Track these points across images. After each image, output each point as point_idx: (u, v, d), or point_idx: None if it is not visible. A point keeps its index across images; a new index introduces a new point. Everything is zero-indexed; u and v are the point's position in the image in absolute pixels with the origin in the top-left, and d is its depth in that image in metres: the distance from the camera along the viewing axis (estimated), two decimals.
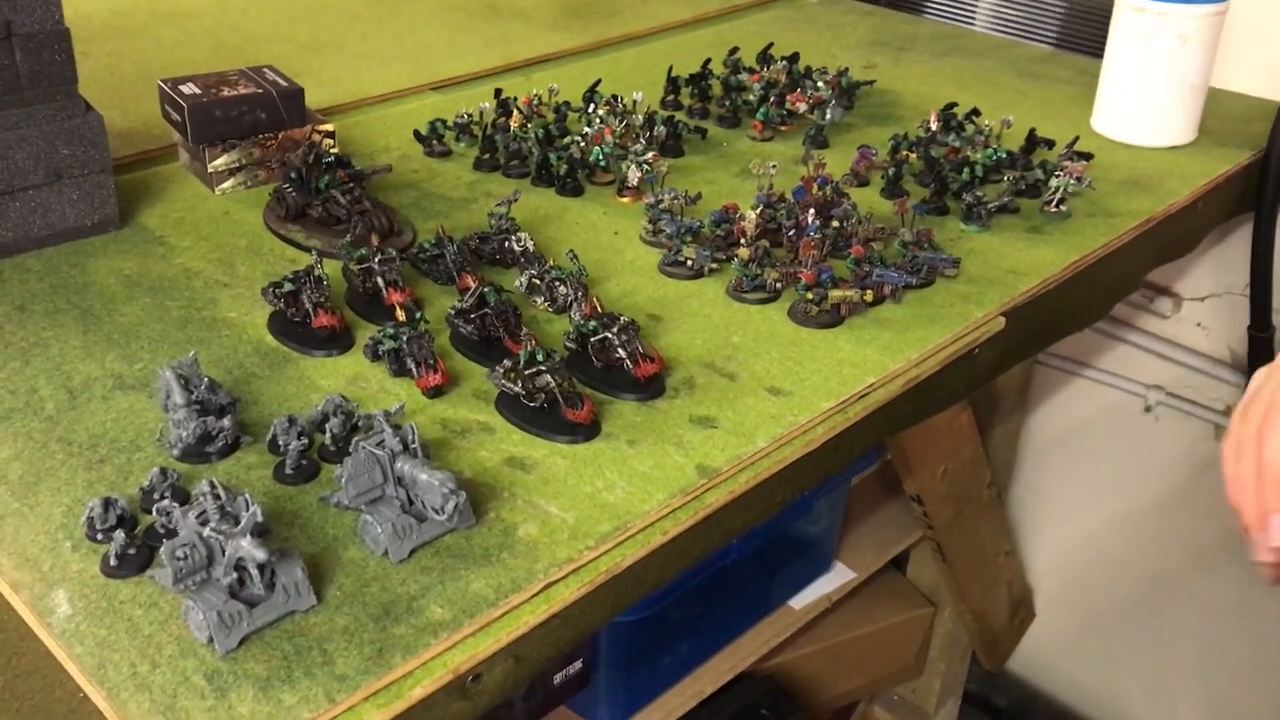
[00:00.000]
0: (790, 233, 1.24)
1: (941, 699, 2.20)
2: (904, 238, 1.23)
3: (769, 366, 1.09)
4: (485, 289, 1.08)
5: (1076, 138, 1.48)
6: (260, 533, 0.79)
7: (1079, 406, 2.13)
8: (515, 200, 1.25)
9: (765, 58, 1.75)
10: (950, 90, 1.74)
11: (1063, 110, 1.69)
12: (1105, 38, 1.58)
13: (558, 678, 1.39)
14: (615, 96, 1.57)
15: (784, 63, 1.71)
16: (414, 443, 0.85)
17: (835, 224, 1.25)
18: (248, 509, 0.77)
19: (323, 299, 1.08)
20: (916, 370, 1.10)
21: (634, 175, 1.36)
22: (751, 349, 1.11)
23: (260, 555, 0.74)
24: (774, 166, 1.33)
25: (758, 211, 1.24)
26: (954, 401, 1.20)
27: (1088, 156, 1.45)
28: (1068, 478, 2.21)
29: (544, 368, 0.98)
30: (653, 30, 2.01)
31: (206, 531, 0.75)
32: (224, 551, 0.76)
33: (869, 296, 1.15)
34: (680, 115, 1.63)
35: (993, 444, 2.02)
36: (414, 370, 1.02)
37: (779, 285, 1.18)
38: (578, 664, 1.41)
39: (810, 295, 1.14)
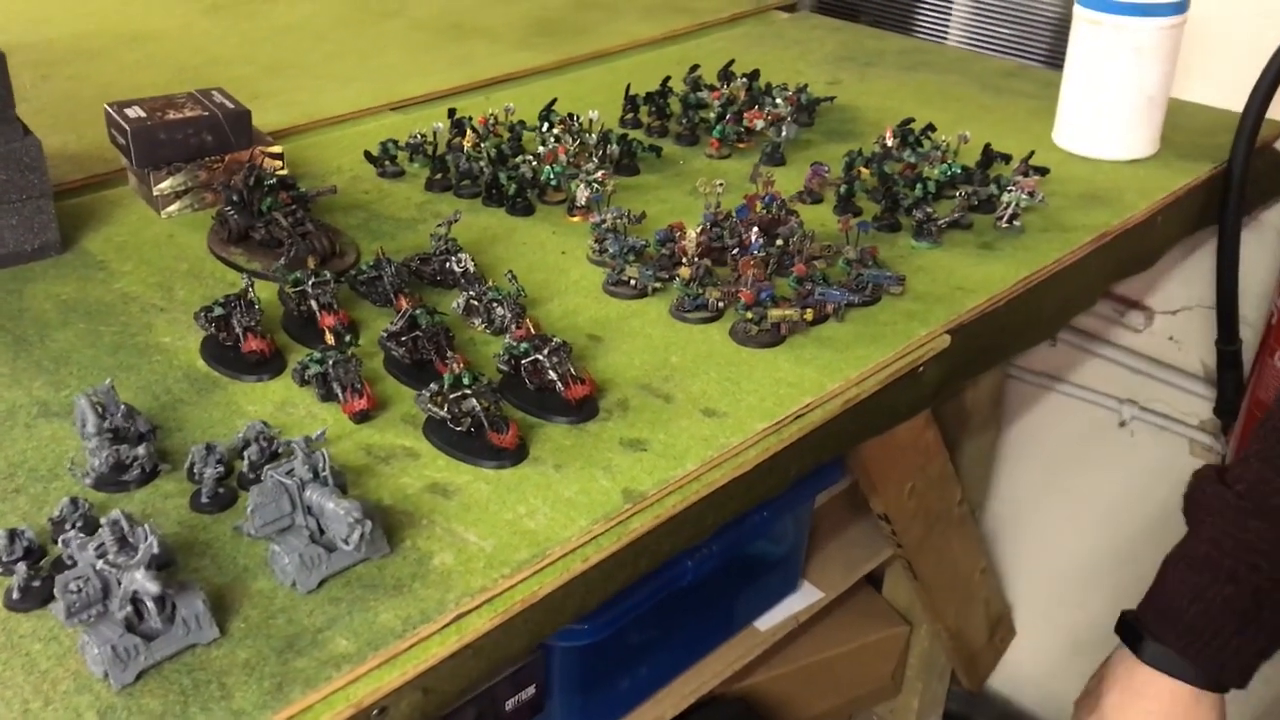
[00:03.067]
0: (734, 251, 1.22)
1: (920, 718, 2.18)
2: (848, 255, 1.22)
3: (705, 387, 1.07)
4: (416, 311, 1.07)
5: (1032, 152, 1.47)
6: (162, 564, 0.78)
7: (1054, 421, 2.11)
8: (455, 221, 1.24)
9: (726, 75, 1.74)
10: (913, 106, 1.73)
11: (1025, 125, 1.68)
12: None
13: (510, 704, 1.37)
14: (571, 115, 1.56)
15: (744, 80, 1.70)
16: (324, 470, 0.84)
17: (780, 242, 1.23)
18: (146, 540, 0.75)
19: (253, 323, 1.07)
20: (856, 390, 1.08)
21: (582, 194, 1.35)
22: (690, 369, 1.10)
23: (153, 588, 0.72)
24: (721, 185, 1.31)
25: (699, 230, 1.22)
26: (898, 421, 1.18)
27: (1043, 171, 1.43)
28: (1045, 493, 2.19)
29: (469, 391, 0.96)
30: (619, 48, 2.01)
31: (99, 564, 0.73)
32: (120, 584, 0.74)
33: (809, 315, 1.14)
34: (638, 134, 1.62)
35: (965, 460, 2.00)
36: (340, 395, 1.00)
37: (721, 305, 1.17)
38: (531, 689, 1.39)
39: (750, 314, 1.13)
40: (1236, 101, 1.55)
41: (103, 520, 0.78)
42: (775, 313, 1.12)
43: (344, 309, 1.12)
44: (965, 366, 1.23)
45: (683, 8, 2.19)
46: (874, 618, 2.08)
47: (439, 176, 1.47)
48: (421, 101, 1.75)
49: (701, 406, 1.04)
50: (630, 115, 1.67)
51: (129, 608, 0.74)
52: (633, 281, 1.21)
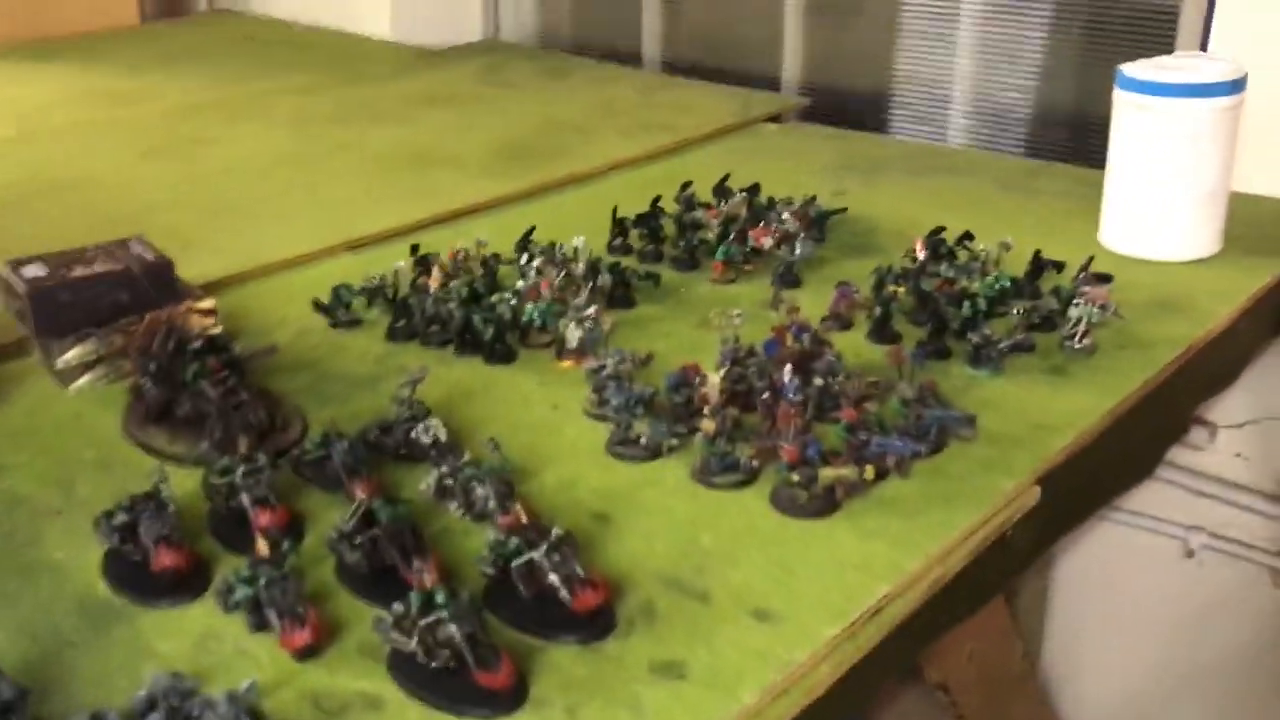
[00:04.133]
0: (764, 395, 1.00)
1: None
2: (904, 394, 1.00)
3: (750, 577, 0.84)
4: (374, 503, 0.83)
5: (1091, 258, 1.27)
6: None
7: (1112, 554, 1.87)
8: (421, 380, 1.02)
9: (722, 190, 1.54)
10: (933, 213, 1.54)
11: (1063, 227, 1.49)
12: (1096, 144, 1.39)
13: None
14: (553, 244, 1.36)
15: (743, 195, 1.51)
16: None
17: (818, 381, 1.01)
18: None
19: (166, 531, 0.83)
20: (941, 569, 0.85)
21: (574, 335, 1.14)
22: (727, 553, 0.86)
23: None
24: (739, 315, 1.10)
25: (722, 373, 1.00)
26: (985, 600, 0.95)
27: (1107, 279, 1.23)
28: (1105, 634, 1.94)
29: (446, 614, 0.72)
30: (598, 170, 1.82)
31: None
32: None
33: (870, 473, 0.91)
34: (629, 261, 1.41)
35: (1020, 606, 1.76)
36: (276, 624, 0.76)
37: (755, 464, 0.94)
38: None
39: (796, 477, 0.90)
40: None
41: None
42: (828, 473, 0.90)
43: (283, 503, 0.89)
44: (1060, 521, 1.01)
45: (663, 125, 2.02)
46: None
47: (402, 324, 1.25)
48: (381, 239, 1.55)
49: (750, 606, 0.81)
50: (619, 240, 1.47)
51: None
52: (643, 440, 0.99)
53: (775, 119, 2.11)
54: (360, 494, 0.87)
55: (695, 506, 0.93)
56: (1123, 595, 1.89)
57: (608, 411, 1.03)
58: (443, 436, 0.97)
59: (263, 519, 0.86)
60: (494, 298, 1.24)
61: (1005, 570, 0.94)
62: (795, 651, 0.76)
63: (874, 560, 0.85)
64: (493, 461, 0.92)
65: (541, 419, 1.07)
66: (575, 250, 1.34)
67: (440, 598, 0.73)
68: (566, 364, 1.17)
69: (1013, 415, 1.04)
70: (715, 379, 0.98)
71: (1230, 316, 1.23)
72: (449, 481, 0.92)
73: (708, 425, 0.96)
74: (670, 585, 0.83)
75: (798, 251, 1.35)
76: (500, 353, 1.18)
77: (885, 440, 0.94)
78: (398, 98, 2.20)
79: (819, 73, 2.24)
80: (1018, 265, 1.31)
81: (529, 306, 1.20)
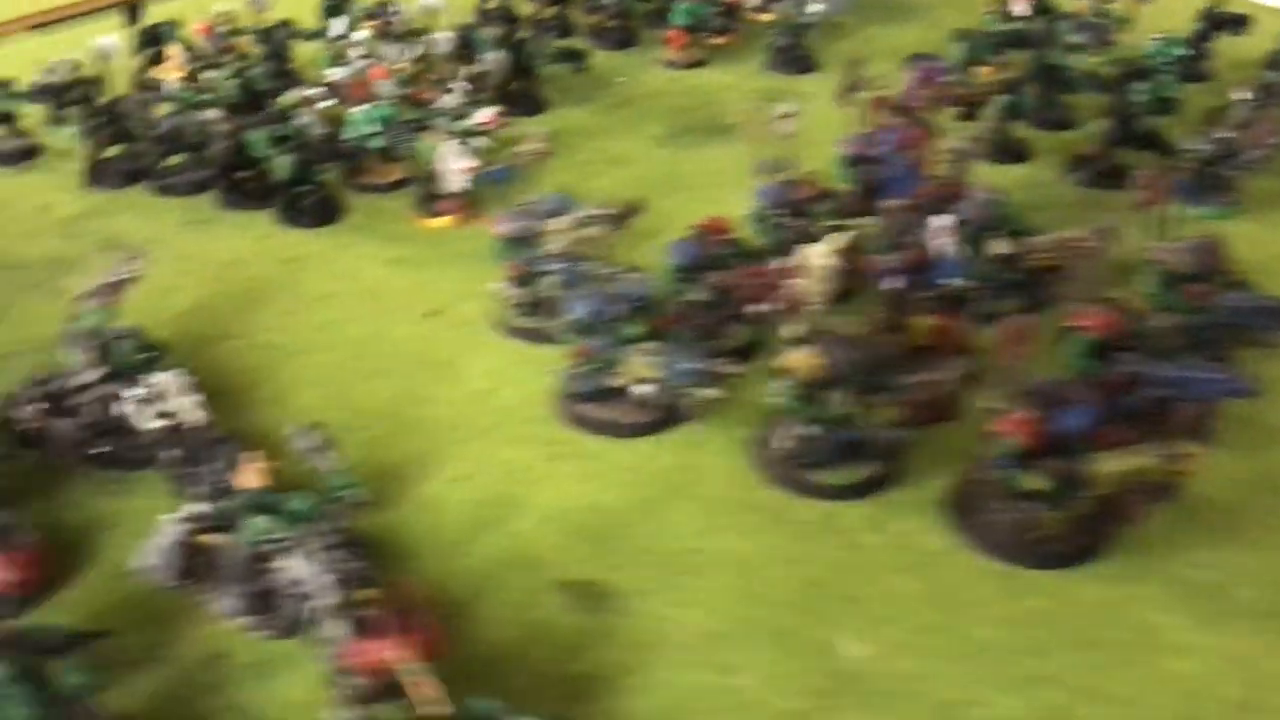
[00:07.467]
0: (890, 283, 0.48)
1: None
2: (1167, 264, 0.49)
3: None
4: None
5: None
6: None
7: None
8: (128, 279, 0.45)
9: None
10: None
11: None
12: None
13: None
14: (385, 4, 0.78)
15: None
16: None
17: (998, 248, 0.50)
18: None
19: None
20: None
21: (456, 164, 0.57)
22: None
23: None
24: (788, 114, 0.56)
25: (829, 245, 0.47)
26: None
27: None
28: None
29: None
30: None
31: None
32: None
33: (1181, 461, 0.41)
34: (521, 32, 0.84)
35: None
36: None
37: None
38: None
39: (1038, 482, 0.39)
40: None
41: None
42: (1111, 465, 0.39)
43: None
44: None
45: None
46: None
47: (112, 153, 0.66)
48: (88, 11, 0.92)
49: None
50: (494, 3, 0.89)
51: None
52: (640, 392, 0.45)
53: None
54: None
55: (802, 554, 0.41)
56: None
57: (556, 328, 0.49)
58: (193, 416, 0.41)
59: None
60: (288, 99, 0.66)
61: None
62: None
63: None
64: (331, 485, 0.37)
65: (414, 345, 0.52)
66: (429, 13, 0.76)
67: None
68: (440, 220, 0.61)
69: None
70: (817, 256, 0.44)
71: None
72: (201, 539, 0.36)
73: (800, 363, 0.42)
74: None
75: (810, 7, 0.80)
76: (312, 205, 0.62)
77: (1164, 372, 0.43)
78: None
79: None
80: (1163, 21, 0.80)
81: (353, 113, 0.63)
